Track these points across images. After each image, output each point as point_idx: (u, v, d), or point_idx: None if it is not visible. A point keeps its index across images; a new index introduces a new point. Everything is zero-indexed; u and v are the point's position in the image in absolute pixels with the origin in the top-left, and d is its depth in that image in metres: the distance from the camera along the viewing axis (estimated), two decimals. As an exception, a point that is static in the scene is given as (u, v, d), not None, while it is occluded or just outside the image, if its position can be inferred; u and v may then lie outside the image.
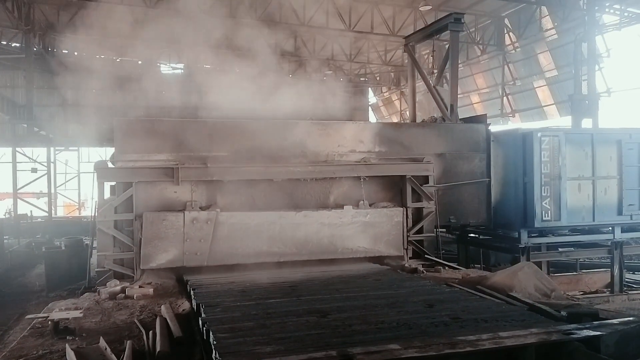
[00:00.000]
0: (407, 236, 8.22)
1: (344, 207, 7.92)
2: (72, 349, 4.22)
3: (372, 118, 34.20)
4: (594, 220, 9.75)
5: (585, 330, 3.85)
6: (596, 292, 10.66)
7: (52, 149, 22.05)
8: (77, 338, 4.71)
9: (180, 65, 25.14)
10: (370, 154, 8.49)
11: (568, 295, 6.93)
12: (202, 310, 4.89)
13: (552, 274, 10.49)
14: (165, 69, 25.21)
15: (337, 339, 3.99)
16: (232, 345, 3.85)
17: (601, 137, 9.92)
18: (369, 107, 33.75)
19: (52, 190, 22.31)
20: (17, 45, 22.33)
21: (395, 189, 8.52)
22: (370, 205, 8.14)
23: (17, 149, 19.95)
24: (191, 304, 5.66)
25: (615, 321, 4.09)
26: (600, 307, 6.52)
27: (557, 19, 19.69)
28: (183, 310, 5.64)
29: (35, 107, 20.35)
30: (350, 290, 5.88)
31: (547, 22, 20.64)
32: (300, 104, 8.49)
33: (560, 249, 10.50)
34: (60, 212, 27.11)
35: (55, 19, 19.90)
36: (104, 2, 15.27)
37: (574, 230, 10.32)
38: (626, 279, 10.87)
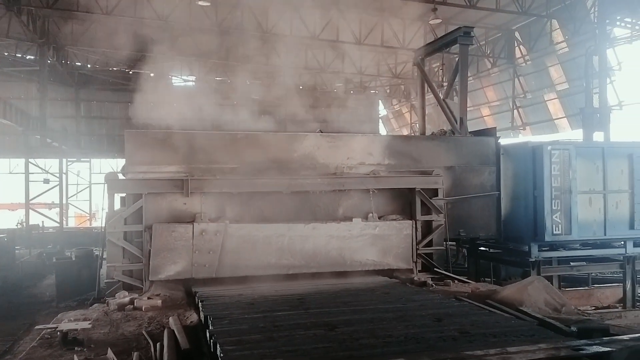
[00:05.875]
0: (416, 249, 8.18)
1: (353, 219, 7.89)
2: (80, 360, 4.24)
3: (382, 130, 34.25)
4: (605, 235, 9.65)
5: (595, 346, 3.80)
6: (608, 307, 10.52)
7: (64, 160, 22.27)
8: (85, 349, 4.72)
9: (192, 78, 25.42)
10: (380, 167, 8.49)
11: (579, 310, 6.85)
12: (209, 322, 4.90)
13: (563, 289, 10.38)
14: (176, 81, 25.48)
15: (344, 353, 3.98)
16: (239, 357, 3.85)
17: (612, 150, 9.84)
18: (379, 120, 33.82)
19: (64, 201, 22.52)
20: (32, 57, 22.71)
21: (404, 201, 8.49)
22: (379, 217, 8.12)
23: (30, 160, 20.18)
24: (199, 316, 5.67)
25: (625, 337, 4.04)
26: (612, 323, 6.44)
27: (568, 32, 19.69)
28: (191, 322, 5.64)
29: (48, 119, 20.61)
30: (358, 303, 5.86)
31: (557, 35, 20.64)
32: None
33: (571, 263, 10.38)
34: (72, 223, 27.35)
35: (69, 32, 20.22)
36: (116, 15, 15.51)
37: (585, 245, 10.21)
38: (639, 294, 10.72)
